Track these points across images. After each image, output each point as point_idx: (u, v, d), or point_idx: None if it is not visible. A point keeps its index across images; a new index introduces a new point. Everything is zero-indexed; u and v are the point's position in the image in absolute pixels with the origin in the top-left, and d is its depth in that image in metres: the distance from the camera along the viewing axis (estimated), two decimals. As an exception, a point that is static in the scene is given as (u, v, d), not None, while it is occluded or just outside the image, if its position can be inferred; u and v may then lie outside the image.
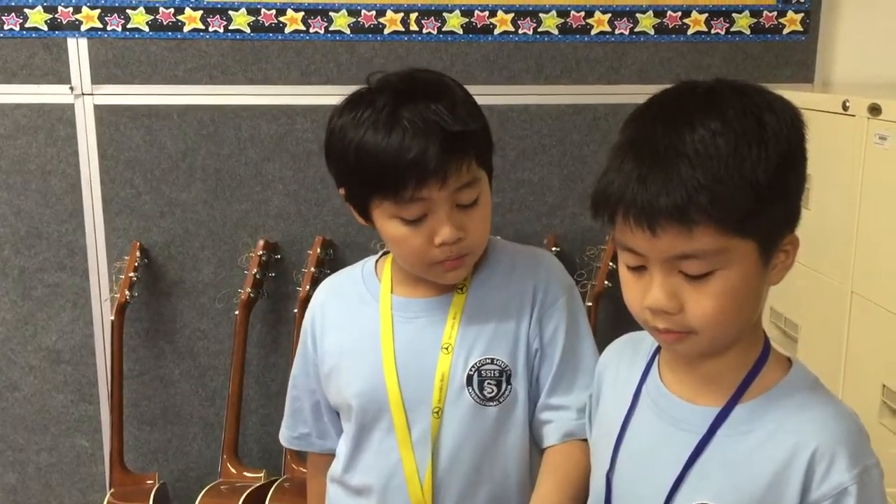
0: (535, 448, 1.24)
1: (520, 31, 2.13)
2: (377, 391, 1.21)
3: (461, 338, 1.20)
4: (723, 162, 0.85)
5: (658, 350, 1.04)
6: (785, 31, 2.15)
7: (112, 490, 2.12)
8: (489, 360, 1.20)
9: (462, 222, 1.14)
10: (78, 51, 2.10)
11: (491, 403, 1.20)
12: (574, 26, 2.12)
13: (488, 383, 1.20)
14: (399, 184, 1.09)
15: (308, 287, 2.10)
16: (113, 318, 2.13)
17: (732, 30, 2.14)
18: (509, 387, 1.20)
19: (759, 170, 0.85)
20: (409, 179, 1.09)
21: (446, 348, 1.20)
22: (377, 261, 1.30)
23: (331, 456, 1.33)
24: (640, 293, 0.91)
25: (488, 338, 1.21)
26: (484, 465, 1.21)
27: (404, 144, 1.08)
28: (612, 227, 0.92)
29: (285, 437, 1.38)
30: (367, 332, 1.23)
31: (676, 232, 0.86)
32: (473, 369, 1.19)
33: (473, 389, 1.19)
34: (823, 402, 0.95)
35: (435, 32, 2.12)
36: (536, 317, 1.22)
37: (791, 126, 0.90)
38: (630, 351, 1.10)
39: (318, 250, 2.14)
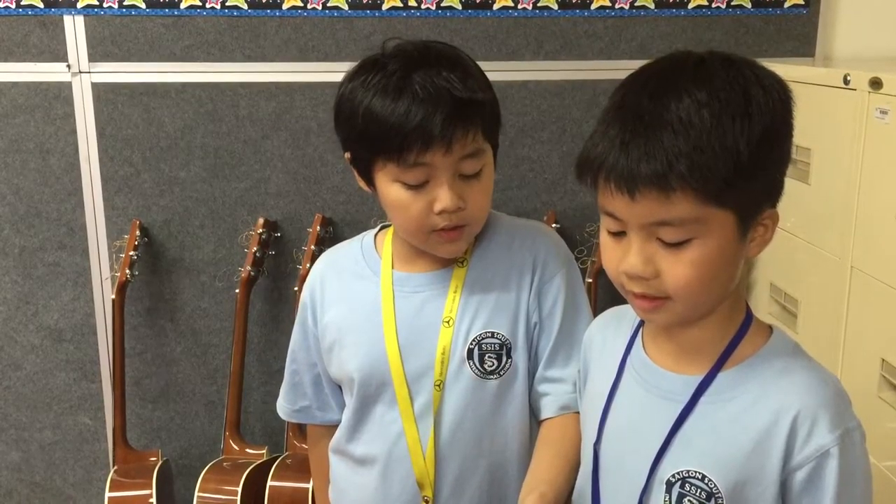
0: (535, 420, 1.26)
1: (519, 6, 2.11)
2: (379, 365, 1.22)
3: (462, 311, 1.21)
4: (705, 132, 0.86)
5: (642, 322, 1.06)
6: (786, 5, 2.13)
7: (115, 467, 2.13)
8: (489, 334, 1.21)
9: (463, 192, 1.14)
10: (74, 28, 2.09)
11: (491, 377, 1.21)
12: (574, 1, 2.11)
13: (489, 357, 1.21)
14: (404, 147, 1.09)
15: (308, 265, 2.10)
16: (114, 296, 2.13)
17: (733, 3, 2.13)
18: (510, 360, 1.21)
19: (740, 142, 0.87)
20: (414, 143, 1.09)
21: (447, 322, 1.21)
22: (376, 235, 1.31)
23: (331, 427, 1.34)
24: (618, 258, 0.93)
25: (489, 311, 1.22)
26: (485, 438, 1.23)
27: (412, 109, 1.09)
28: (595, 191, 0.93)
29: (285, 410, 1.39)
30: (367, 306, 1.24)
31: (655, 198, 0.87)
32: (474, 343, 1.20)
33: (474, 363, 1.20)
34: (803, 367, 0.97)
35: (434, 8, 2.10)
36: (535, 290, 1.23)
37: (778, 101, 0.91)
38: (614, 324, 1.11)
39: (318, 228, 2.14)
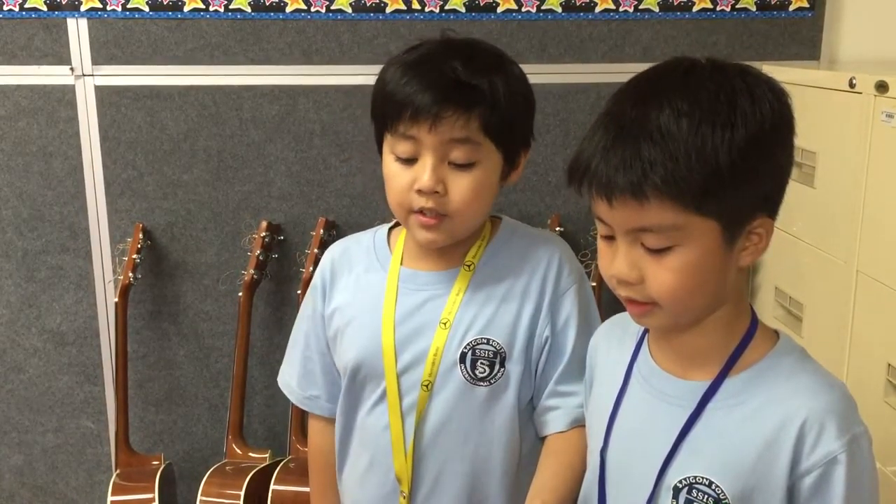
0: (527, 435, 1.25)
1: (523, 9, 2.11)
2: (374, 358, 1.23)
3: (461, 314, 1.21)
4: (682, 141, 0.87)
5: (647, 329, 1.05)
6: (791, 8, 2.13)
7: (118, 471, 2.12)
8: (484, 340, 1.20)
9: (447, 179, 1.15)
10: (78, 31, 2.09)
11: (481, 384, 1.21)
12: (578, 4, 2.10)
13: (481, 363, 1.21)
14: (396, 116, 1.13)
15: (311, 268, 2.09)
16: (116, 299, 2.13)
17: (738, 6, 2.12)
18: (502, 369, 1.21)
19: (720, 152, 0.87)
20: (404, 112, 1.12)
21: (444, 323, 1.21)
22: (390, 229, 1.31)
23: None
24: (609, 261, 0.95)
25: (488, 318, 1.21)
26: (467, 445, 1.22)
27: (412, 81, 1.12)
28: (584, 195, 0.95)
29: (296, 395, 1.37)
30: (371, 299, 1.25)
31: (630, 206, 0.89)
32: (468, 347, 1.20)
33: (465, 367, 1.20)
34: (810, 372, 0.97)
35: (437, 11, 2.10)
36: (548, 304, 1.23)
37: (769, 112, 0.90)
38: (619, 332, 1.12)
39: (321, 231, 2.14)
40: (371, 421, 1.26)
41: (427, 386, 1.20)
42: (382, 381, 1.23)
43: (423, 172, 1.13)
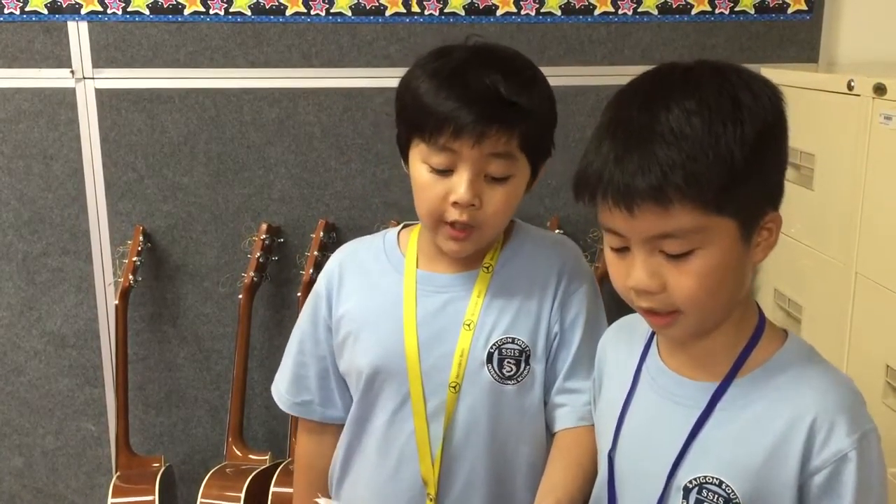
0: (549, 432, 1.26)
1: (522, 12, 2.11)
2: (396, 361, 1.23)
3: (484, 316, 1.22)
4: (697, 141, 0.86)
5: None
6: (789, 11, 2.14)
7: (118, 473, 2.13)
8: (510, 340, 1.22)
9: (483, 193, 1.15)
10: (78, 34, 2.09)
11: (509, 382, 1.22)
12: (577, 6, 2.11)
13: (508, 362, 1.22)
14: (436, 130, 1.12)
15: (311, 270, 2.10)
16: (117, 302, 2.13)
17: (737, 9, 2.13)
18: (528, 367, 1.22)
19: (734, 148, 0.87)
20: (446, 127, 1.11)
21: (468, 325, 1.21)
22: (399, 233, 1.31)
23: (328, 425, 1.34)
24: (625, 273, 0.94)
25: (511, 317, 1.23)
26: (496, 444, 1.23)
27: (454, 95, 1.11)
28: (594, 208, 0.93)
29: (286, 402, 1.36)
30: (387, 302, 1.25)
31: (654, 212, 0.87)
32: (494, 347, 1.21)
33: (493, 367, 1.21)
34: (819, 371, 0.97)
35: (437, 14, 2.10)
36: (559, 302, 1.24)
37: (769, 105, 0.91)
38: (627, 334, 1.12)
39: (321, 233, 2.14)
40: (394, 427, 1.25)
41: (455, 387, 1.21)
42: (404, 386, 1.22)
43: (461, 186, 1.13)
